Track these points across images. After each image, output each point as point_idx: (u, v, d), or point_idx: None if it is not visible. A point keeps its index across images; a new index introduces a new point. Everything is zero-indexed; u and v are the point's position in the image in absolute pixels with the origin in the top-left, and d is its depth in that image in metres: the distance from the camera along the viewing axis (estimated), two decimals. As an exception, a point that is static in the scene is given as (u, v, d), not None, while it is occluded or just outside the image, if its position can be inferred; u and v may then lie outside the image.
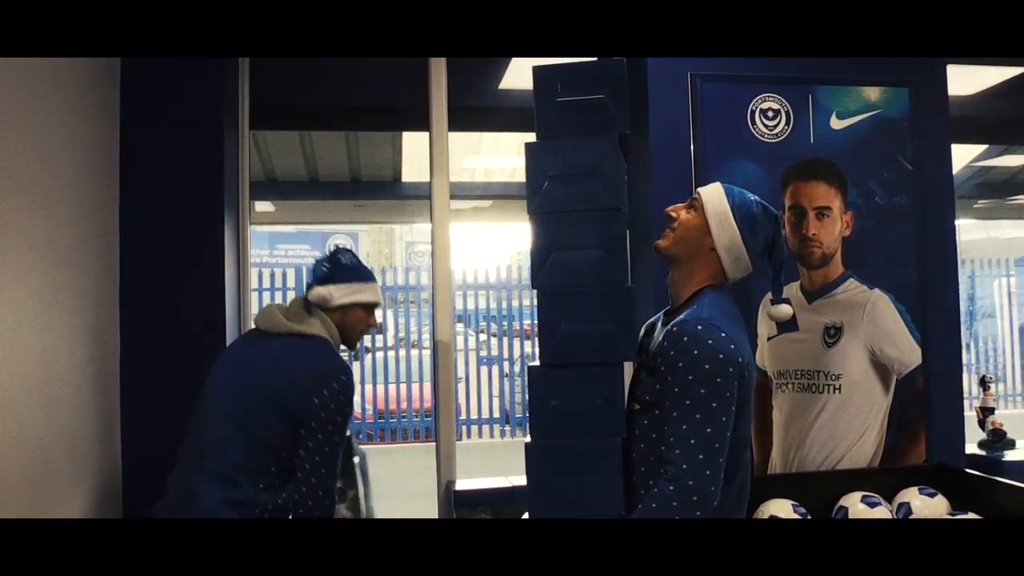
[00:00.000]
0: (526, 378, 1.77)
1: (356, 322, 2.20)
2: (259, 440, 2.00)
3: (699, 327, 1.55)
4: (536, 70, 1.80)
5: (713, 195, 1.73)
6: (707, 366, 1.52)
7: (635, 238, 2.90)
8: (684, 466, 1.50)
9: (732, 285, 1.79)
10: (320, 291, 2.15)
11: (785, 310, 1.77)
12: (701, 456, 1.50)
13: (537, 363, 1.73)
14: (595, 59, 1.79)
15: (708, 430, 1.51)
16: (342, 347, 2.21)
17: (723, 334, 1.55)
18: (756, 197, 1.75)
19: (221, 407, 2.07)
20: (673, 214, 1.77)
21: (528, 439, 1.72)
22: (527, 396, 1.75)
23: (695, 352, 1.53)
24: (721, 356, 1.53)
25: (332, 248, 2.28)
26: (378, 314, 2.28)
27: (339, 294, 2.15)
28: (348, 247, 2.29)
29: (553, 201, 1.74)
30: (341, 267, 2.19)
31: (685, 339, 1.55)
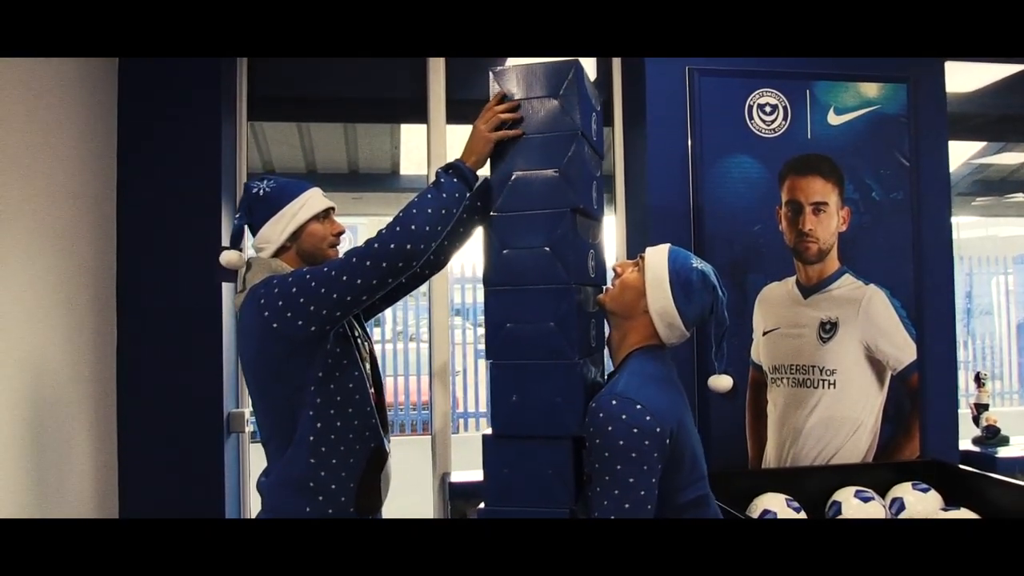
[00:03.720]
0: (481, 447, 1.77)
1: (318, 240, 1.83)
2: (281, 399, 1.73)
3: (613, 402, 1.55)
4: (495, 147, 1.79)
5: (655, 258, 1.72)
6: (621, 442, 1.51)
7: (632, 235, 2.91)
8: None
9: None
10: (257, 240, 1.82)
11: (724, 382, 1.73)
12: None
13: (490, 432, 1.75)
14: (548, 129, 1.75)
15: (627, 505, 1.51)
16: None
17: (638, 406, 1.53)
18: (701, 265, 1.71)
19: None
20: (618, 270, 1.77)
21: (482, 506, 1.75)
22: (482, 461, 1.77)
23: (609, 428, 1.52)
24: (635, 431, 1.51)
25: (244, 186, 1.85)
26: (337, 219, 1.89)
27: (278, 228, 1.80)
28: (264, 174, 1.88)
29: (507, 274, 1.74)
30: (264, 200, 1.82)
31: (600, 415, 1.54)
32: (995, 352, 10.69)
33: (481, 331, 9.84)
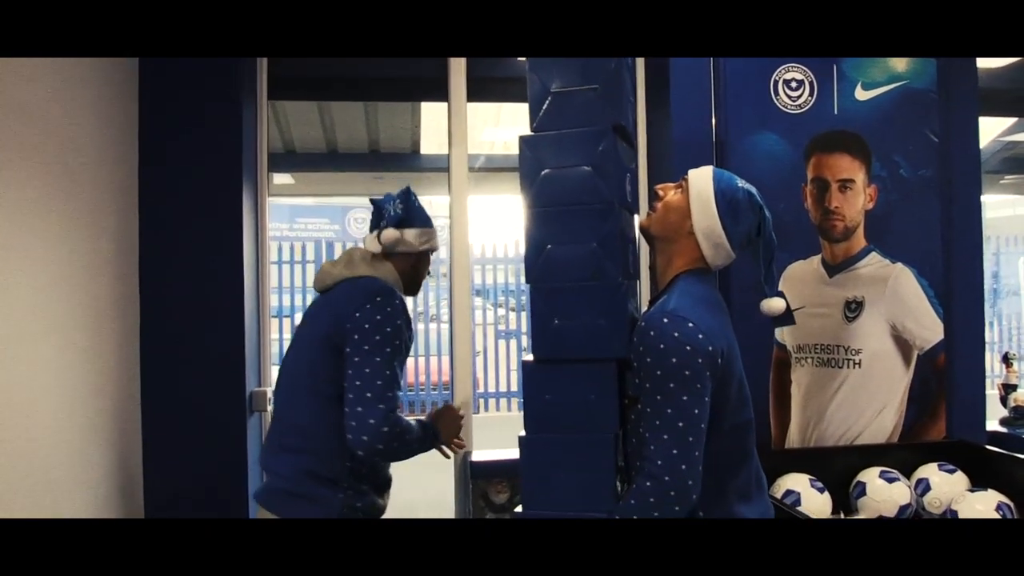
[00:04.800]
0: (521, 372, 1.75)
1: (423, 268, 2.11)
2: (322, 396, 1.86)
3: (664, 320, 1.51)
4: (530, 62, 1.76)
5: (700, 178, 1.68)
6: (674, 359, 1.48)
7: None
8: (659, 462, 1.48)
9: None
10: (393, 234, 2.00)
11: (777, 304, 1.69)
12: (675, 451, 1.48)
13: (531, 358, 1.72)
14: None
15: (680, 424, 1.48)
16: (406, 295, 2.08)
17: (690, 324, 1.50)
18: (746, 185, 1.69)
19: (285, 381, 1.97)
20: (660, 192, 1.73)
21: (523, 433, 1.71)
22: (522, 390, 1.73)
23: (661, 346, 1.49)
24: (688, 348, 1.48)
25: (400, 190, 2.11)
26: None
27: (417, 240, 2.05)
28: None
29: (548, 195, 1.71)
30: (416, 210, 2.07)
31: (651, 333, 1.51)
32: (1022, 333, 10.56)
33: (501, 312, 9.89)
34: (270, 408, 2.76)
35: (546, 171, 1.71)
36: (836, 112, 2.66)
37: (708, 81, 2.68)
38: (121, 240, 2.44)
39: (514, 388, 9.38)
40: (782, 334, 2.63)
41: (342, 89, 3.39)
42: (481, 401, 9.09)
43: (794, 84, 2.65)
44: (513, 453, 2.31)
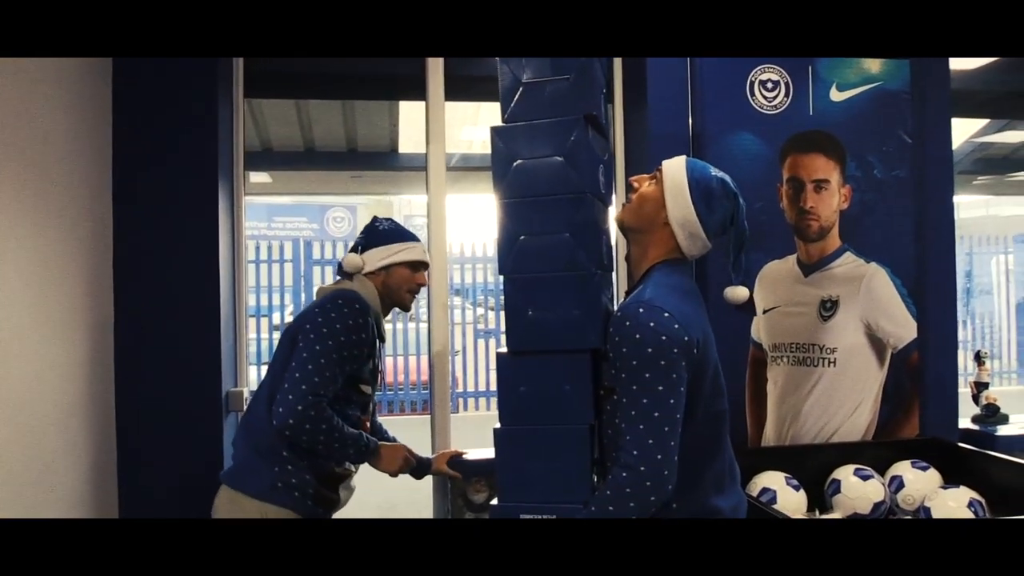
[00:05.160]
0: (494, 364, 1.75)
1: (401, 282, 2.21)
2: (277, 382, 2.02)
3: (640, 310, 1.52)
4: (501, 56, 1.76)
5: (673, 168, 1.69)
6: (649, 349, 1.48)
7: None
8: (635, 452, 1.48)
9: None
10: (353, 259, 2.19)
11: (740, 292, 1.71)
12: (651, 441, 1.47)
13: (504, 350, 1.72)
14: None
15: (656, 414, 1.48)
16: (395, 309, 2.30)
17: (666, 314, 1.51)
18: (720, 173, 1.70)
19: (267, 373, 2.13)
20: (635, 184, 1.73)
21: (497, 425, 1.71)
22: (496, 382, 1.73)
23: (636, 336, 1.49)
24: (664, 338, 1.49)
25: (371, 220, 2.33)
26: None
27: (378, 256, 2.19)
28: (388, 217, 2.32)
29: (520, 186, 1.71)
30: (378, 232, 2.23)
31: (627, 323, 1.51)
32: (994, 331, 10.70)
33: (480, 311, 9.87)
34: (246, 407, 2.74)
35: (518, 162, 1.71)
36: (811, 113, 2.68)
37: (685, 81, 2.69)
38: (94, 239, 2.41)
39: (493, 387, 9.36)
40: (758, 333, 2.64)
41: (320, 87, 3.37)
42: (460, 400, 9.07)
43: (770, 85, 2.67)
44: (491, 452, 2.32)
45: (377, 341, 2.19)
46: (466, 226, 9.73)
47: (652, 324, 1.50)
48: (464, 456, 2.50)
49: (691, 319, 1.55)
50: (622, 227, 1.75)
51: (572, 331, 1.65)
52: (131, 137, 2.56)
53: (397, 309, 2.30)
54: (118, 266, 2.54)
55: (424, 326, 8.66)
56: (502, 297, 1.79)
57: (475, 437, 2.97)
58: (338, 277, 2.24)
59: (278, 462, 2.01)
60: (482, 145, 5.96)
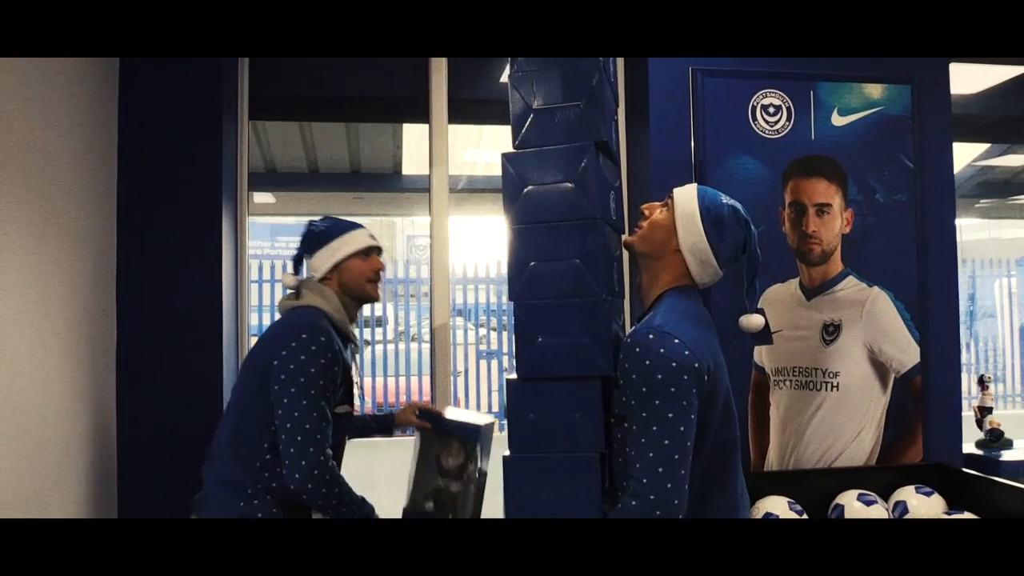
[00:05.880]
0: (505, 391, 1.73)
1: (358, 275, 2.13)
2: (252, 416, 1.98)
3: (650, 336, 1.51)
4: (511, 78, 1.77)
5: (684, 195, 1.69)
6: (659, 376, 1.47)
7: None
8: (644, 480, 1.46)
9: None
10: (288, 278, 2.14)
11: (756, 320, 1.69)
12: (661, 469, 1.45)
13: (515, 376, 1.71)
14: (569, 63, 1.74)
15: (666, 442, 1.46)
16: (367, 303, 2.21)
17: (676, 340, 1.50)
18: (731, 201, 1.69)
19: (231, 400, 2.09)
20: (646, 211, 1.73)
21: (507, 452, 1.71)
22: (506, 408, 1.72)
23: (647, 362, 1.48)
24: (674, 364, 1.47)
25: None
26: (380, 257, 2.19)
27: (323, 259, 2.11)
28: (323, 216, 2.21)
29: (531, 212, 1.71)
30: (315, 235, 2.15)
31: (637, 350, 1.50)
32: (998, 355, 10.66)
33: (482, 331, 9.87)
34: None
35: (529, 188, 1.72)
36: (813, 137, 2.70)
37: (687, 105, 2.71)
38: (99, 258, 2.42)
39: (495, 408, 9.35)
40: (760, 357, 2.64)
41: (324, 110, 3.39)
42: (462, 422, 9.03)
43: (771, 109, 2.68)
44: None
45: (348, 354, 2.14)
46: (468, 246, 9.75)
47: (662, 350, 1.49)
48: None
49: (702, 345, 1.54)
50: (633, 253, 1.74)
51: (581, 358, 1.65)
52: (136, 157, 2.57)
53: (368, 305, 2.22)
54: (122, 286, 2.54)
55: (426, 347, 8.65)
56: (505, 318, 1.79)
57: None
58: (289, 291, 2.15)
59: (244, 497, 1.95)
60: (485, 167, 5.99)
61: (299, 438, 1.90)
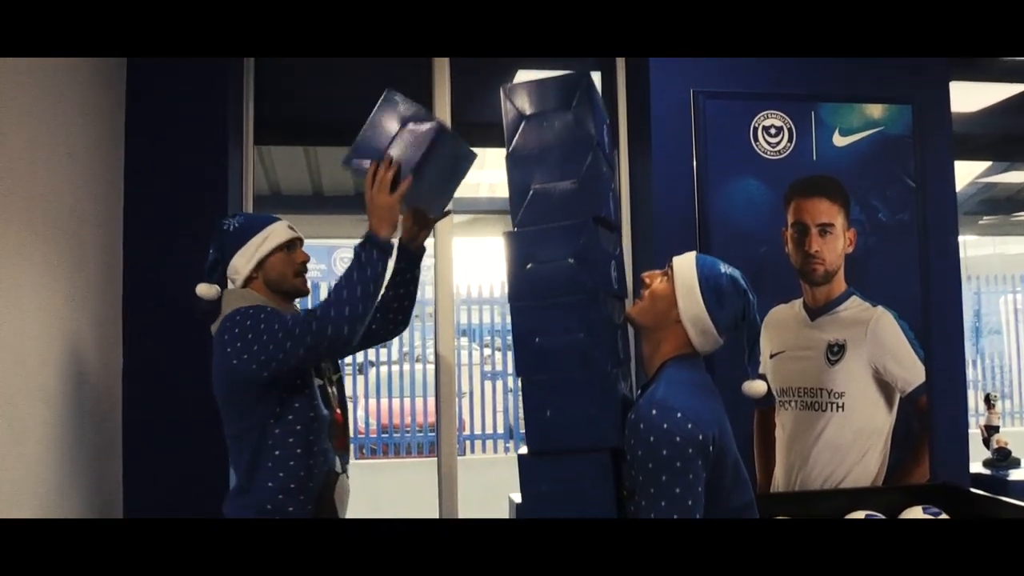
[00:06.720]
0: (517, 467, 1.73)
1: (282, 270, 1.97)
2: (236, 434, 1.92)
3: (653, 411, 1.52)
4: (510, 158, 1.80)
5: (683, 265, 1.71)
6: (664, 452, 1.49)
7: (638, 259, 2.91)
8: None
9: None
10: (204, 288, 1.97)
11: (759, 387, 1.71)
12: None
13: (525, 451, 1.73)
14: (565, 143, 1.77)
15: (675, 517, 1.48)
16: (297, 298, 2.06)
17: (679, 414, 1.51)
18: (730, 270, 1.70)
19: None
20: (647, 280, 1.76)
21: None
22: (519, 484, 1.73)
23: (651, 439, 1.50)
24: (678, 439, 1.49)
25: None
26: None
27: (244, 260, 1.94)
28: (234, 213, 2.06)
29: (533, 289, 1.74)
30: (230, 235, 1.97)
31: (641, 426, 1.52)
32: (1004, 371, 10.61)
33: (487, 352, 9.84)
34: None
35: (530, 265, 1.74)
36: (815, 158, 2.71)
37: (689, 127, 2.72)
38: (104, 283, 2.43)
39: (500, 430, 9.32)
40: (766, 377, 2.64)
41: (329, 135, 3.41)
42: (467, 443, 9.01)
43: (773, 130, 2.70)
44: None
45: None
46: (472, 268, 9.76)
47: (665, 425, 1.50)
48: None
49: (705, 416, 1.55)
50: (635, 325, 1.77)
51: (589, 430, 1.66)
52: (143, 183, 2.59)
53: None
54: (127, 309, 2.55)
55: (430, 367, 8.63)
56: (509, 338, 1.79)
57: (484, 480, 2.96)
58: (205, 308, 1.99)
59: (245, 494, 1.88)
60: (488, 189, 6.02)
61: (288, 340, 1.76)
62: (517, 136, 1.80)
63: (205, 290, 1.96)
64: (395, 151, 1.89)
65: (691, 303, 1.66)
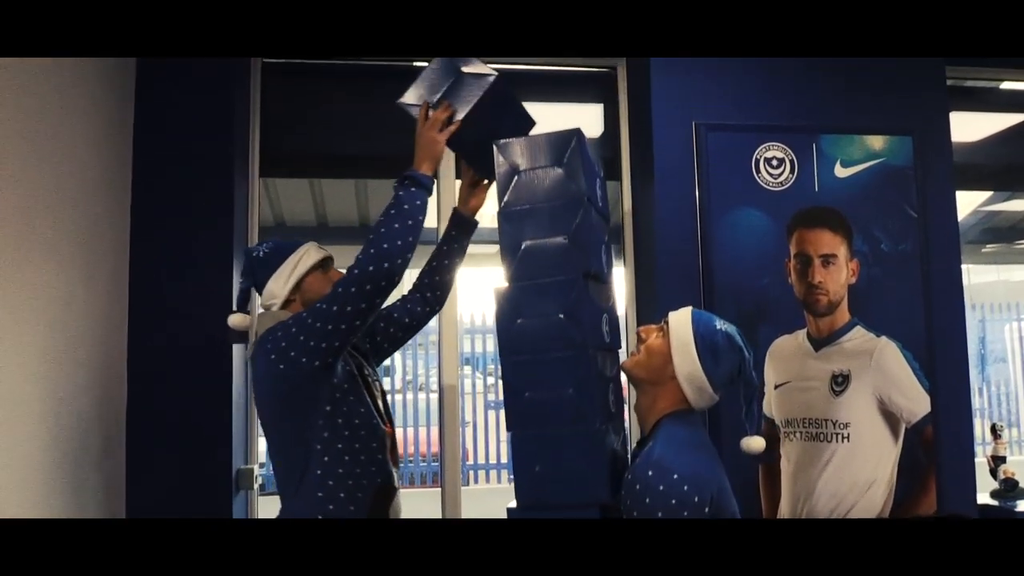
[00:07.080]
0: (505, 436, 1.76)
1: (319, 288, 1.95)
2: (286, 446, 1.86)
3: (649, 472, 1.52)
4: (502, 214, 1.82)
5: (679, 322, 1.71)
6: (660, 514, 1.49)
7: (641, 289, 2.91)
8: None
9: (742, 330, 1.76)
10: (263, 298, 1.98)
11: (757, 443, 1.69)
12: None
13: (514, 505, 1.73)
14: (554, 202, 1.78)
15: None
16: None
17: (675, 476, 1.51)
18: (725, 326, 1.71)
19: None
20: (643, 335, 1.76)
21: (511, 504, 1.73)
22: None
23: (647, 500, 1.50)
24: (674, 501, 1.49)
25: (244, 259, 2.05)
26: (337, 268, 2.04)
27: (280, 283, 1.95)
28: (260, 242, 2.08)
29: (523, 344, 1.75)
30: (262, 260, 1.99)
31: (637, 487, 1.52)
32: (1010, 399, 10.56)
33: (491, 380, 9.81)
34: (256, 485, 2.72)
35: (520, 320, 1.76)
36: (817, 189, 2.73)
37: (691, 159, 2.74)
38: (108, 316, 2.44)
39: (504, 460, 9.27)
40: (770, 408, 2.63)
41: (333, 167, 3.45)
42: (471, 473, 8.95)
43: (775, 162, 2.72)
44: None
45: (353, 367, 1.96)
46: (476, 296, 9.76)
47: (661, 487, 1.50)
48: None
49: (702, 476, 1.55)
50: (631, 379, 1.77)
51: (579, 485, 1.67)
52: (150, 213, 2.61)
53: None
54: (132, 340, 2.55)
55: (434, 396, 8.60)
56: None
57: (487, 510, 2.93)
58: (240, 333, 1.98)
59: (300, 497, 1.82)
60: (490, 219, 6.05)
61: (330, 305, 1.74)
62: (509, 192, 1.82)
63: (239, 320, 1.97)
64: (450, 95, 1.92)
65: (686, 360, 1.66)
